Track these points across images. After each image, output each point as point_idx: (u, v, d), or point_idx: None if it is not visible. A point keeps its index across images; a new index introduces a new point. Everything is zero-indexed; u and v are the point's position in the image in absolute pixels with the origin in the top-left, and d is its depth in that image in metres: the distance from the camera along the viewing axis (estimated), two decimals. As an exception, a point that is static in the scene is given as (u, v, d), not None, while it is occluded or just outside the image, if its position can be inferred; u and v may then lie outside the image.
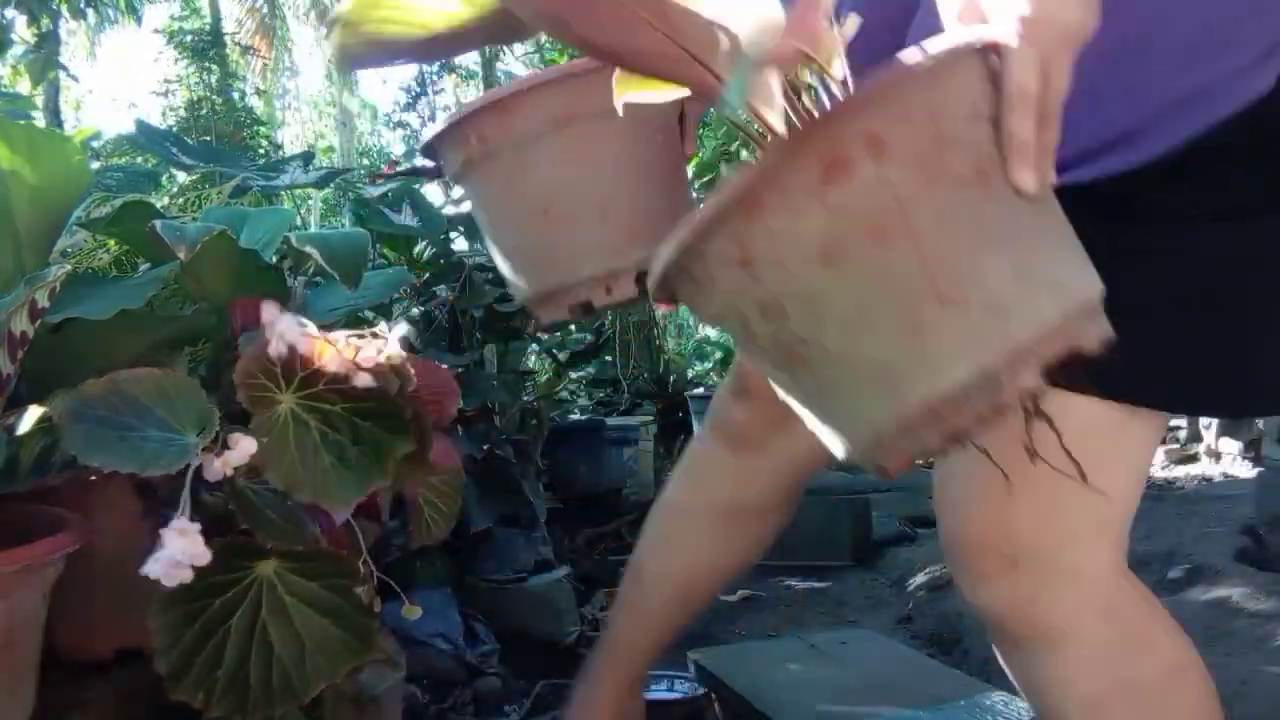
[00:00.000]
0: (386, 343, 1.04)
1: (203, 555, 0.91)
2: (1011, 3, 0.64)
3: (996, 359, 0.61)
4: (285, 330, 1.00)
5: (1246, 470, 4.01)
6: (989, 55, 0.66)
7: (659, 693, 2.10)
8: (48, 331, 1.19)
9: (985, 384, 0.61)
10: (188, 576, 0.92)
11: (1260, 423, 3.40)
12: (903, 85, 0.64)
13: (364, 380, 1.01)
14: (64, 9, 5.23)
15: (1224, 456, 4.38)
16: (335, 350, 1.01)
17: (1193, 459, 4.61)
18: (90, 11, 5.94)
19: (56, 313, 1.16)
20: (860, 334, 0.64)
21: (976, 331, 0.62)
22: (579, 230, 0.97)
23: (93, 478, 1.08)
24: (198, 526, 0.91)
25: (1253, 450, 4.09)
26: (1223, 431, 4.40)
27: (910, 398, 0.63)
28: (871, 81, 0.64)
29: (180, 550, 0.89)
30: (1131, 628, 0.91)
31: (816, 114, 0.69)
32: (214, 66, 9.64)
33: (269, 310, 1.01)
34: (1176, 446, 4.81)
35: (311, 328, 1.02)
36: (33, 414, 1.16)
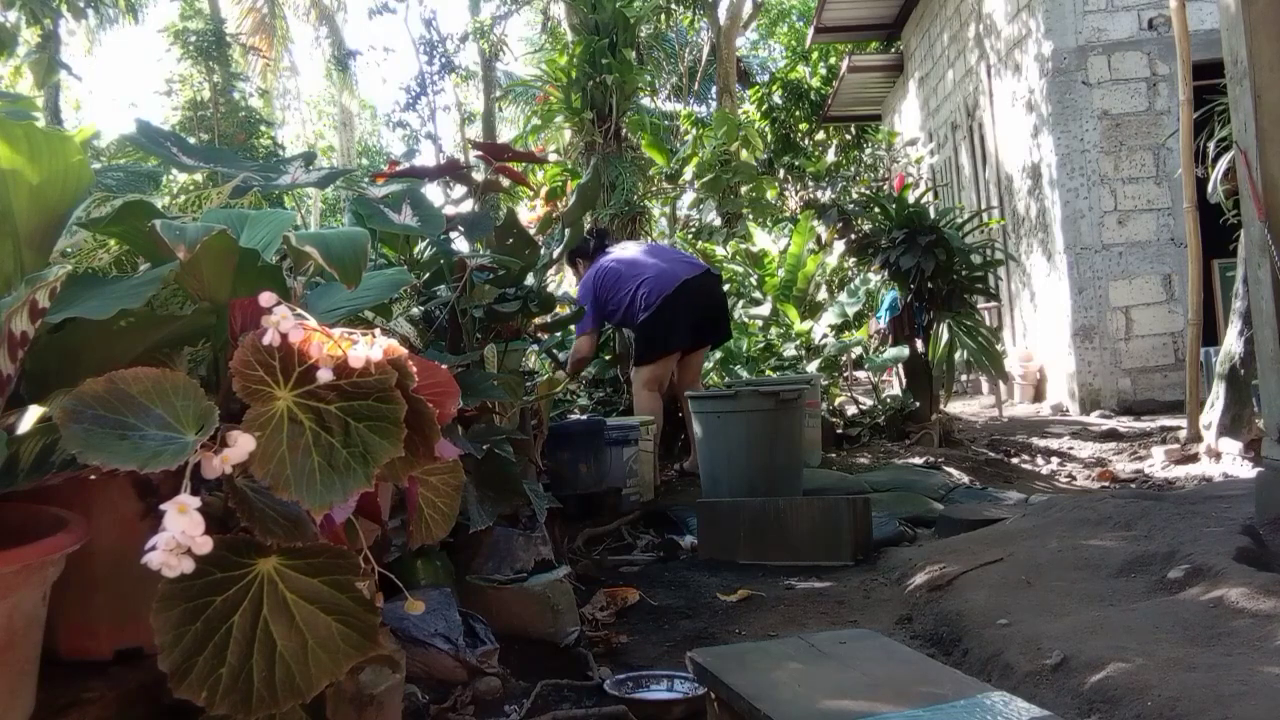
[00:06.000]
0: (378, 337, 1.05)
1: (203, 538, 0.91)
2: None
3: None
4: (280, 319, 1.00)
5: (1246, 470, 4.00)
6: None
7: (659, 692, 2.11)
8: (48, 331, 1.19)
9: None
10: (188, 567, 0.91)
11: (1260, 422, 3.40)
12: None
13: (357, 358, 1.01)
14: (64, 9, 5.23)
15: (1224, 456, 4.37)
16: (333, 341, 1.01)
17: (1193, 459, 4.60)
18: (90, 12, 5.94)
19: (56, 313, 1.16)
20: None
21: None
22: None
23: (92, 477, 1.08)
24: (198, 502, 0.91)
25: (1253, 450, 4.08)
26: (1222, 432, 4.40)
27: None
28: None
29: (180, 529, 0.89)
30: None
31: None
32: (216, 66, 9.65)
33: (266, 299, 1.01)
34: (1176, 446, 4.79)
35: (310, 319, 1.02)
36: (33, 414, 1.16)
